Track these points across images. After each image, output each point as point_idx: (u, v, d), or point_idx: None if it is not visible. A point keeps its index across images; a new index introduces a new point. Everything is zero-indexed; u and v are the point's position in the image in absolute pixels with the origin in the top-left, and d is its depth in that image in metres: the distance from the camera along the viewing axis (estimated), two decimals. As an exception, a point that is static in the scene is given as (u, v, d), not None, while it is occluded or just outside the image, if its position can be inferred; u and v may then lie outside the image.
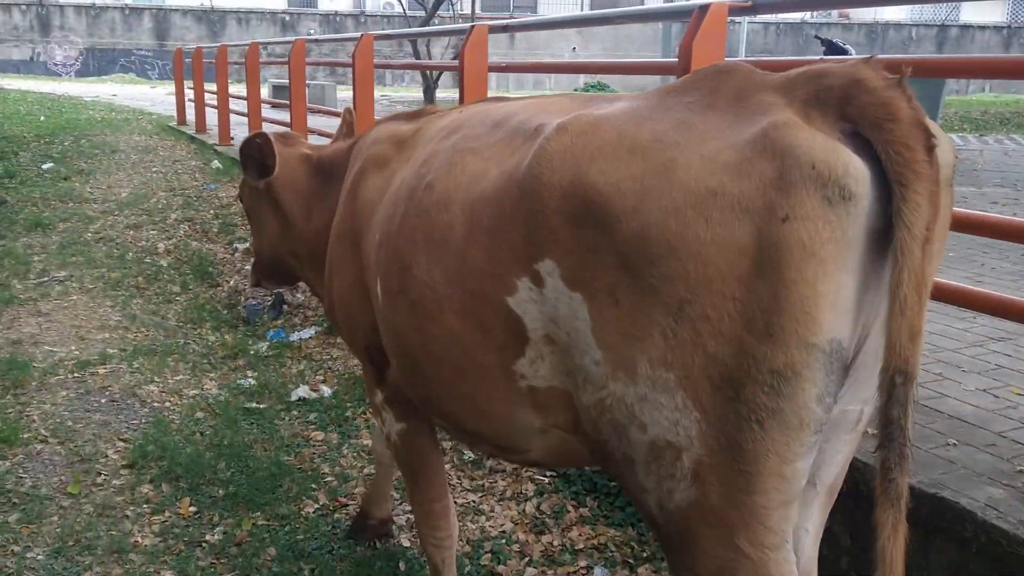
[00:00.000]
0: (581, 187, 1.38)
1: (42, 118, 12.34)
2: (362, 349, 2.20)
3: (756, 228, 1.21)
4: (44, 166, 8.90)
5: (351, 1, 36.69)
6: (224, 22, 34.22)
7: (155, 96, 21.20)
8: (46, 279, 5.53)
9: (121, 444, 3.46)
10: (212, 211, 7.38)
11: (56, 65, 32.80)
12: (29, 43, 32.68)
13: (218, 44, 31.68)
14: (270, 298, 5.54)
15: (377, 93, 22.52)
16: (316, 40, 7.39)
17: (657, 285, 1.29)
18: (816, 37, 9.63)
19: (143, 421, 3.70)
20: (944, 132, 1.31)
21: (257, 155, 2.64)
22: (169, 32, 34.02)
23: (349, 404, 4.00)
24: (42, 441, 3.41)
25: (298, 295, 5.59)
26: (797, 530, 1.40)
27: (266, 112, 8.98)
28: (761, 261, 1.21)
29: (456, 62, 4.25)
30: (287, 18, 34.67)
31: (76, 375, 4.13)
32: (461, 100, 4.31)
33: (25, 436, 3.41)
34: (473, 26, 4.20)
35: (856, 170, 1.18)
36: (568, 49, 35.70)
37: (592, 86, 35.53)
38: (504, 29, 4.37)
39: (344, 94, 18.37)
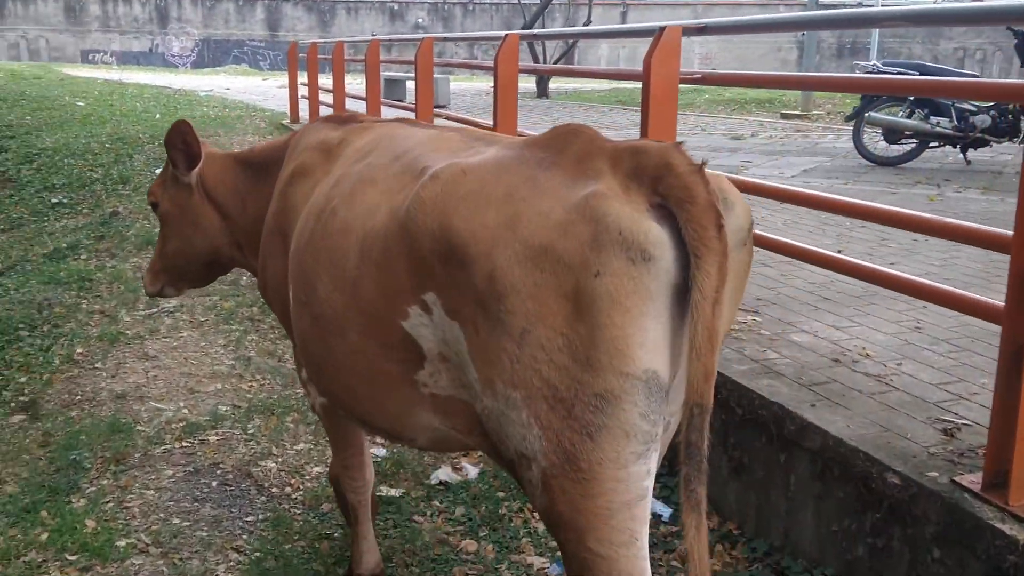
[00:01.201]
0: (447, 231, 1.61)
1: (157, 116, 12.13)
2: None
3: (576, 279, 1.48)
4: (158, 171, 8.53)
5: (458, -12, 36.16)
6: (334, 12, 34.31)
7: (267, 89, 21.11)
8: (155, 310, 5.01)
9: (235, 556, 2.80)
10: (329, 225, 6.81)
11: (173, 56, 33.58)
12: (148, 35, 33.55)
13: (333, 38, 31.59)
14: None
15: (484, 85, 21.87)
16: (445, 38, 6.68)
17: (504, 317, 1.53)
18: (1009, 29, 8.33)
19: (260, 517, 3.04)
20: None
21: (182, 144, 2.69)
22: (280, 23, 34.34)
23: (502, 494, 3.26)
24: (141, 552, 2.77)
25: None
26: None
27: (385, 113, 8.37)
28: (580, 306, 1.48)
29: (623, 69, 3.42)
30: (395, 7, 34.47)
31: (185, 444, 3.52)
32: (643, 123, 3.48)
33: (121, 545, 2.78)
34: (664, 27, 3.36)
35: (655, 237, 1.45)
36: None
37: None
38: (701, 31, 3.51)
39: (456, 85, 17.77)
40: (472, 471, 3.44)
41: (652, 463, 1.53)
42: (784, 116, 13.71)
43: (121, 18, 33.47)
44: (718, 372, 1.99)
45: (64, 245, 6.55)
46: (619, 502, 1.50)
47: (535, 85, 20.20)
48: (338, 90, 9.08)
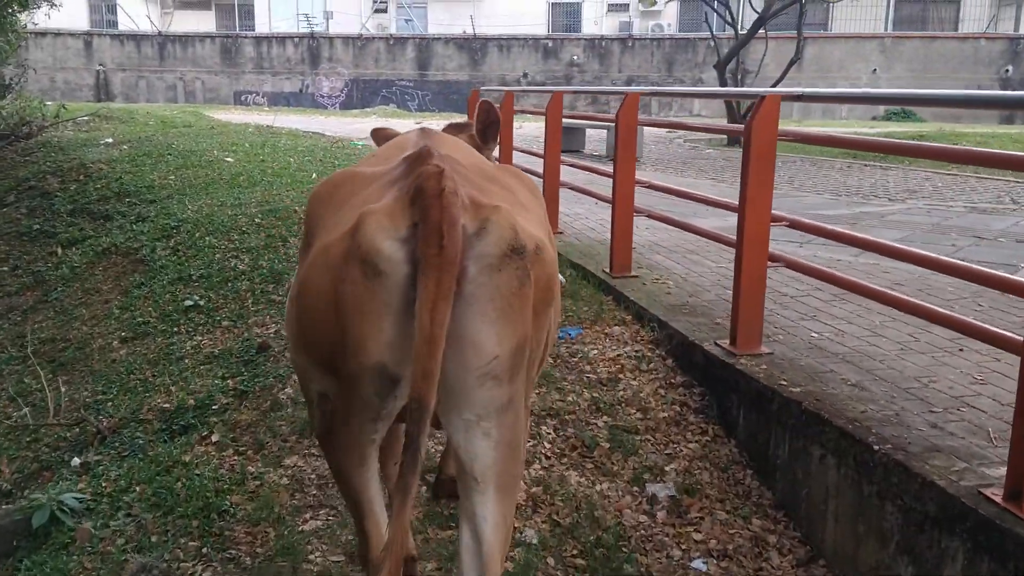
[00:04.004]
0: (308, 225, 2.14)
1: (314, 175, 10.25)
2: None
3: (333, 283, 1.77)
4: (319, 266, 6.43)
5: (616, 24, 33.94)
6: (485, 50, 32.75)
7: (424, 135, 19.33)
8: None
9: None
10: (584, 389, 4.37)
11: (323, 97, 32.84)
12: (300, 75, 32.98)
13: (483, 77, 29.69)
14: None
15: (664, 131, 18.81)
16: (672, 94, 4.20)
17: (300, 311, 1.95)
18: None
19: None
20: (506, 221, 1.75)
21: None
22: (430, 62, 33.08)
23: None
24: None
25: None
26: (476, 518, 1.85)
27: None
28: (336, 306, 1.77)
29: None
30: (549, 44, 32.55)
31: None
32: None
33: None
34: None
35: (386, 255, 1.70)
36: (868, 71, 30.70)
37: (895, 113, 30.39)
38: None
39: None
40: None
41: (381, 425, 1.86)
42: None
43: (274, 59, 33.09)
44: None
45: (192, 400, 4.44)
46: (356, 443, 1.92)
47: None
48: (552, 157, 6.77)
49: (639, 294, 5.00)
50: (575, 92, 12.70)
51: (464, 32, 33.12)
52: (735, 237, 3.96)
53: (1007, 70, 30.63)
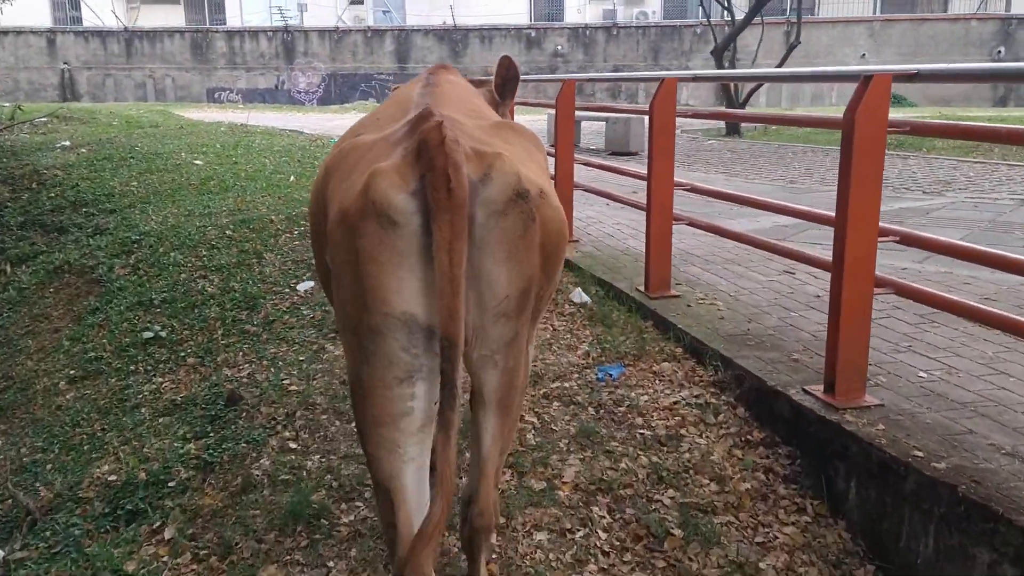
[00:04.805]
0: (323, 191, 2.13)
1: (292, 178, 9.33)
2: None
3: (352, 238, 1.81)
4: (301, 288, 5.53)
5: (600, 12, 33.05)
6: (466, 41, 31.77)
7: (407, 130, 18.36)
8: None
9: None
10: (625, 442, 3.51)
11: (299, 92, 31.73)
12: (275, 71, 31.85)
13: (465, 69, 28.71)
14: None
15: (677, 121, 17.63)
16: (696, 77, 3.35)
17: (331, 262, 1.94)
18: None
19: None
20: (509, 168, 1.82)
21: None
22: (410, 54, 32.05)
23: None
24: None
25: None
26: (480, 430, 2.02)
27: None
28: (355, 259, 1.80)
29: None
30: (532, 34, 31.61)
31: None
32: None
33: None
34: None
35: (399, 207, 1.76)
36: (856, 56, 30.00)
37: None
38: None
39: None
40: None
41: (417, 388, 1.83)
42: None
43: (247, 54, 31.93)
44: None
45: (143, 473, 3.54)
46: (387, 417, 1.84)
47: (724, 122, 16.71)
48: (564, 141, 5.91)
49: (687, 320, 4.15)
50: (591, 80, 11.75)
51: (444, 23, 32.11)
52: (818, 254, 3.12)
53: (999, 51, 30.06)
